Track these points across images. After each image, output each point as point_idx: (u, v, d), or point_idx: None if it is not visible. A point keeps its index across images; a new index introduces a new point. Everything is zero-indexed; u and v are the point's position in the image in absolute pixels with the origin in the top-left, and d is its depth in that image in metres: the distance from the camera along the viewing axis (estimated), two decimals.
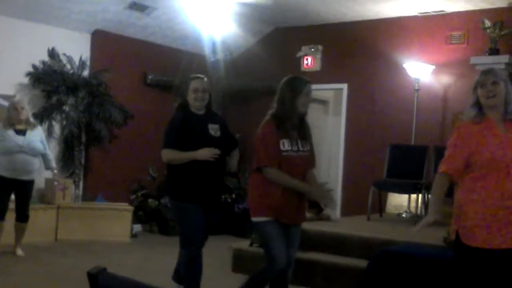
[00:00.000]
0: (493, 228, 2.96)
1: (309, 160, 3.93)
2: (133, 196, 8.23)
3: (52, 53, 7.57)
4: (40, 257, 6.20)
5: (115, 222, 7.49)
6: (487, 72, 3.14)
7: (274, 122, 3.80)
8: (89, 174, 7.99)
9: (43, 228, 6.98)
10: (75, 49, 7.77)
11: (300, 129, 3.87)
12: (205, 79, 4.35)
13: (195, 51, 8.71)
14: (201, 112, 4.29)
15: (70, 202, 7.42)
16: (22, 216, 6.15)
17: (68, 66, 7.68)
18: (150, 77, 8.59)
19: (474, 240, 3.00)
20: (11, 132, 5.96)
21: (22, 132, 6.01)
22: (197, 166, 4.14)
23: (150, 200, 8.26)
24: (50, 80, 7.42)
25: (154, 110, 8.62)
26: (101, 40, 8.10)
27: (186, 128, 4.20)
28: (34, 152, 6.04)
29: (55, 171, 6.52)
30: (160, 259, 6.49)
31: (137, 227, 8.15)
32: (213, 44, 8.49)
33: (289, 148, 3.79)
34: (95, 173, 8.03)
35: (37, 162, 6.13)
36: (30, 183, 6.12)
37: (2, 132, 5.97)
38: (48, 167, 6.39)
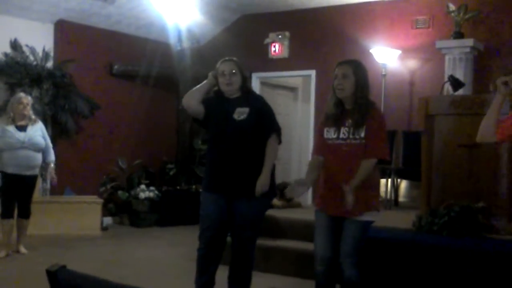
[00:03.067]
0: None
1: (363, 149, 3.49)
2: (102, 189, 8.13)
3: (15, 45, 7.39)
4: (8, 252, 6.07)
5: (84, 215, 7.38)
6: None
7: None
8: (57, 167, 7.84)
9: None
10: (38, 40, 7.59)
11: (356, 115, 3.51)
12: (235, 60, 4.01)
13: (161, 40, 8.61)
14: (234, 96, 3.99)
15: (38, 197, 7.27)
16: (25, 212, 6.10)
17: (31, 58, 7.50)
18: (116, 67, 8.45)
19: None
20: (11, 128, 5.88)
21: (23, 128, 5.93)
22: (216, 153, 3.96)
23: (120, 192, 8.17)
24: (13, 72, 7.25)
25: (121, 100, 8.51)
26: (65, 30, 7.92)
27: (208, 111, 4.01)
28: (35, 147, 5.97)
29: (52, 165, 6.33)
30: (131, 251, 6.44)
31: (108, 220, 8.06)
32: (179, 33, 8.39)
33: (334, 136, 3.55)
34: (63, 166, 7.87)
35: (39, 157, 6.07)
36: (34, 178, 6.09)
37: (1, 128, 5.87)
38: (47, 160, 6.22)
